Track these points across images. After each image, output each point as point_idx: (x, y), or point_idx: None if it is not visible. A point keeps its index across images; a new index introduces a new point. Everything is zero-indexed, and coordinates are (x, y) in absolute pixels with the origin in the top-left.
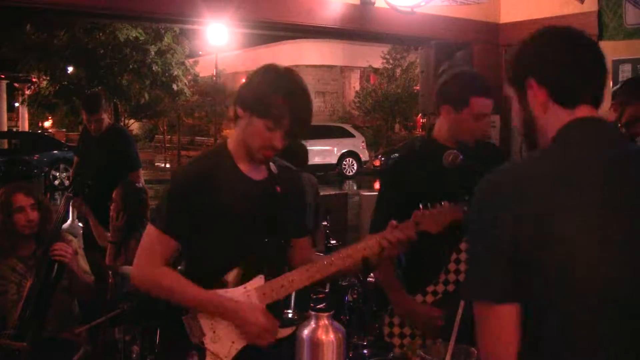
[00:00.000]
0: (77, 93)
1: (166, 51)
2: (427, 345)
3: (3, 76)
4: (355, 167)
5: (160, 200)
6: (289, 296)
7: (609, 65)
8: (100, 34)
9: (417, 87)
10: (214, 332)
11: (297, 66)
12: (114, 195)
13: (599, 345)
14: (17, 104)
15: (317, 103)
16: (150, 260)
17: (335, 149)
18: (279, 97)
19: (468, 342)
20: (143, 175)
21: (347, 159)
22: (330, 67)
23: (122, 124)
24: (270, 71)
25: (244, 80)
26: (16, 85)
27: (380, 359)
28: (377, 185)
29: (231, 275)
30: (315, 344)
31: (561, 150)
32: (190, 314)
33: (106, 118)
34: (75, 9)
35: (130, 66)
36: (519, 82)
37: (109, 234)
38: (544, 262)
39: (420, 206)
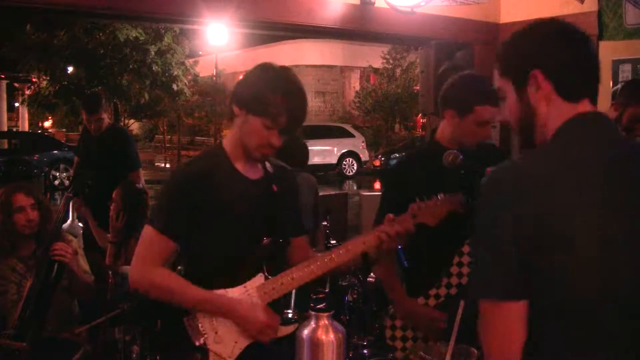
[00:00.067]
0: (77, 93)
1: (166, 51)
2: (427, 346)
3: (3, 76)
4: (355, 167)
5: (157, 201)
6: (289, 296)
7: (609, 65)
8: (100, 34)
9: (417, 87)
10: (216, 332)
11: (297, 66)
12: (114, 196)
13: (599, 345)
14: (17, 104)
15: (317, 103)
16: (148, 261)
17: (335, 149)
18: (276, 95)
19: (468, 342)
20: (143, 175)
21: (347, 159)
22: (330, 67)
23: (122, 124)
24: (267, 70)
25: (240, 78)
26: (16, 85)
27: (380, 359)
28: (377, 185)
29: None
30: (315, 344)
31: (562, 150)
32: (191, 315)
33: (106, 118)
34: (75, 9)
35: (130, 66)
36: (520, 73)
37: (109, 235)
38: (544, 262)
39: (417, 199)
